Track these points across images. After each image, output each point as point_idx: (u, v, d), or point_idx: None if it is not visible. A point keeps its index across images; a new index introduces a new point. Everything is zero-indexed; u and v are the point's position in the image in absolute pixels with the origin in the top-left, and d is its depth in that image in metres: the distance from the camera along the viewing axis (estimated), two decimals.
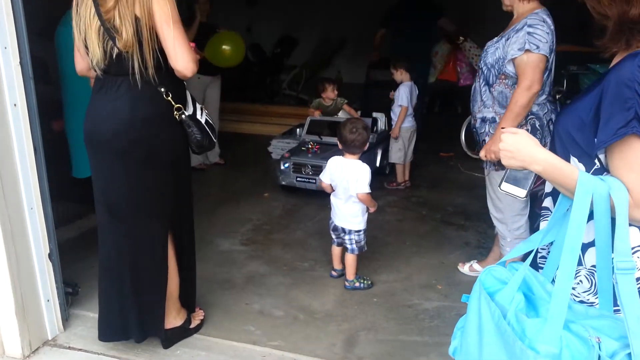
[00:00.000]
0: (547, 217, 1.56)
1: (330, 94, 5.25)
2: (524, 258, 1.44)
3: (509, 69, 2.70)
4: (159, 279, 2.52)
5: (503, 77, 2.74)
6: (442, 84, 6.89)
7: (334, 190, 3.23)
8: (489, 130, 2.84)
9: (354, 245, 3.24)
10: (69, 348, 2.68)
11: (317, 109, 5.30)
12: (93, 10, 2.21)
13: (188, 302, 2.76)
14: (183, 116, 2.38)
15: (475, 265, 3.45)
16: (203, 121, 2.48)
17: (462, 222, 4.28)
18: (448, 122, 6.50)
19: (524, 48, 2.60)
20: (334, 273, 3.41)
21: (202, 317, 2.84)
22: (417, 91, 5.04)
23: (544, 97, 2.75)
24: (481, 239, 3.97)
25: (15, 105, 2.43)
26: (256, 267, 3.55)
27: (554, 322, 1.26)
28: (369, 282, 3.30)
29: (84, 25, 2.25)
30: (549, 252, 1.50)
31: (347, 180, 3.13)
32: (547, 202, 1.57)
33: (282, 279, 3.39)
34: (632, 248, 1.32)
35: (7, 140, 2.42)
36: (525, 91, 2.61)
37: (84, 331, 2.79)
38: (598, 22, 1.37)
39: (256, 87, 7.94)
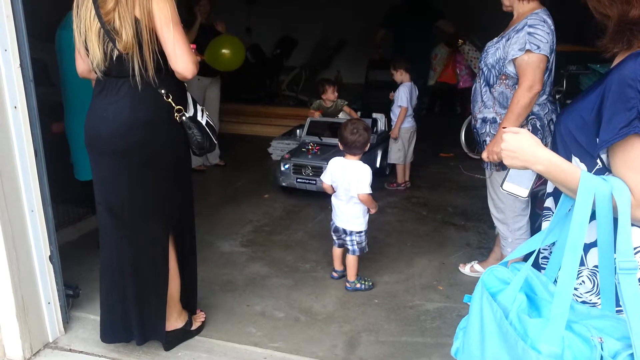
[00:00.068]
0: (549, 217, 1.56)
1: (330, 95, 5.25)
2: (525, 258, 1.44)
3: (510, 69, 2.70)
4: (159, 281, 2.51)
5: (504, 77, 2.74)
6: (442, 85, 6.92)
7: (334, 192, 3.23)
8: (490, 131, 2.84)
9: (355, 247, 3.23)
10: (70, 350, 2.67)
11: (317, 110, 5.30)
12: (93, 12, 2.21)
13: (189, 304, 2.76)
14: (184, 118, 2.38)
15: (476, 266, 3.44)
16: (204, 122, 2.48)
17: (462, 223, 4.28)
18: (448, 122, 6.51)
19: (525, 48, 2.59)
20: (335, 274, 3.41)
21: (203, 319, 2.84)
22: (417, 92, 5.04)
23: (544, 97, 2.75)
24: (482, 240, 3.97)
25: (15, 107, 2.43)
26: (257, 268, 3.55)
27: (556, 322, 1.26)
28: (370, 283, 3.30)
29: (84, 27, 2.25)
30: (551, 252, 1.50)
31: (348, 181, 3.12)
32: (549, 202, 1.57)
33: (283, 281, 3.39)
34: (635, 248, 1.31)
35: (8, 143, 2.42)
36: (526, 91, 2.61)
37: (84, 333, 2.79)
38: (600, 22, 1.37)
39: (256, 88, 7.94)
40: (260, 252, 3.77)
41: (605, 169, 1.36)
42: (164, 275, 2.52)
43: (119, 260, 2.47)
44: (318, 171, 4.55)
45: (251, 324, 2.91)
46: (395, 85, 5.01)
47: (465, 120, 5.26)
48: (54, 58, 3.34)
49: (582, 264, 1.42)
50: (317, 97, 5.49)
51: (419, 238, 4.03)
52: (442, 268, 3.57)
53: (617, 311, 1.36)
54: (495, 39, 2.82)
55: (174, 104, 2.35)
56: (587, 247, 1.40)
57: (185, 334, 2.70)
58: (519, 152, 1.36)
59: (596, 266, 1.39)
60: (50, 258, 2.64)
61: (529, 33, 2.59)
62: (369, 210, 3.23)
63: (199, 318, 2.82)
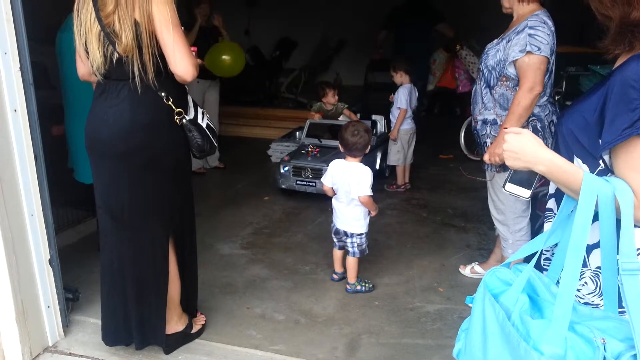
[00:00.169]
0: (551, 218, 1.55)
1: (331, 98, 5.25)
2: (527, 260, 1.44)
3: (510, 71, 2.70)
4: (159, 283, 2.51)
5: (504, 79, 2.74)
6: (441, 90, 6.94)
7: (335, 194, 3.23)
8: (490, 133, 2.84)
9: (356, 249, 3.23)
10: (70, 354, 2.66)
11: (317, 112, 5.30)
12: (93, 14, 2.21)
13: (189, 306, 2.75)
14: (184, 120, 2.38)
15: (477, 267, 3.44)
16: (204, 125, 2.48)
17: (462, 224, 4.28)
18: (447, 124, 6.52)
19: (525, 50, 2.59)
20: (335, 276, 3.40)
21: (203, 322, 2.83)
22: (417, 93, 5.05)
23: (545, 98, 2.75)
24: (482, 241, 3.97)
25: (15, 111, 2.42)
26: (257, 271, 3.54)
27: (559, 323, 1.26)
28: (371, 285, 3.29)
29: (85, 30, 2.25)
30: (553, 253, 1.50)
31: (348, 183, 3.12)
32: (551, 203, 1.57)
33: (283, 283, 3.38)
34: (638, 249, 1.31)
35: (8, 146, 2.41)
36: (527, 93, 2.61)
37: (84, 337, 2.78)
38: (602, 24, 1.37)
39: (255, 91, 7.94)
40: (260, 255, 3.77)
41: (608, 170, 1.36)
42: (164, 277, 2.52)
43: (119, 262, 2.47)
44: (318, 173, 4.55)
45: (251, 327, 2.90)
46: (394, 87, 5.01)
47: (465, 121, 5.28)
48: (55, 61, 3.34)
49: (584, 265, 1.42)
50: (316, 99, 5.49)
51: (419, 240, 4.03)
52: (442, 270, 3.56)
53: (619, 312, 1.36)
54: (496, 41, 2.82)
55: (174, 107, 2.34)
56: (590, 249, 1.40)
57: (185, 337, 2.69)
58: (521, 152, 1.36)
59: (599, 267, 1.39)
60: (50, 261, 2.64)
61: (530, 34, 2.59)
62: (369, 213, 3.22)
63: (199, 321, 2.81)
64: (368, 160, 4.23)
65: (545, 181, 1.48)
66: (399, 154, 4.95)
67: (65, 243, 3.62)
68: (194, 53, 2.42)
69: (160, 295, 2.51)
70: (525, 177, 1.43)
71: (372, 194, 3.12)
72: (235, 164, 5.79)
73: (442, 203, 4.75)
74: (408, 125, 4.94)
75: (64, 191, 3.43)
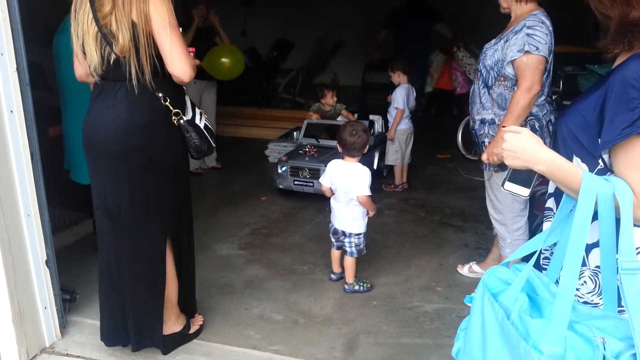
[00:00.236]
0: (550, 217, 1.55)
1: (329, 100, 5.25)
2: (526, 259, 1.44)
3: (509, 70, 2.70)
4: (157, 284, 2.50)
5: (502, 79, 2.74)
6: (439, 91, 6.96)
7: (333, 194, 3.23)
8: (488, 132, 2.84)
9: (354, 249, 3.23)
10: (67, 355, 2.65)
11: (316, 112, 5.30)
12: (91, 15, 2.20)
13: (187, 307, 2.74)
14: (181, 121, 2.37)
15: (475, 267, 3.44)
16: (202, 126, 2.47)
17: (460, 224, 4.28)
18: (445, 124, 6.52)
19: (524, 49, 2.59)
20: (333, 276, 3.40)
21: (201, 323, 2.83)
22: (415, 93, 5.05)
23: (543, 98, 2.75)
24: (480, 240, 3.97)
25: (12, 111, 2.41)
26: (255, 271, 3.53)
27: (558, 322, 1.26)
28: (369, 285, 3.29)
29: (82, 31, 2.24)
30: (552, 253, 1.50)
31: (347, 183, 3.12)
32: (550, 202, 1.57)
33: (281, 283, 3.38)
34: (637, 248, 1.31)
35: (4, 147, 2.40)
36: (525, 92, 2.60)
37: (81, 338, 2.77)
38: (602, 23, 1.37)
39: (252, 91, 7.93)
40: (258, 255, 3.76)
41: (607, 169, 1.36)
42: (161, 278, 2.51)
43: (116, 262, 2.46)
44: (315, 173, 4.55)
45: (249, 327, 2.90)
46: (392, 87, 5.01)
47: (462, 121, 5.28)
48: (52, 62, 3.33)
49: (584, 264, 1.42)
50: (314, 99, 5.50)
51: (417, 239, 4.03)
52: (440, 269, 3.56)
53: (619, 311, 1.36)
54: (494, 41, 2.81)
55: (171, 108, 2.34)
56: (589, 248, 1.40)
57: (183, 338, 2.68)
58: (521, 152, 1.36)
59: (598, 267, 1.39)
60: (47, 262, 2.63)
61: (528, 34, 2.59)
62: (368, 213, 3.22)
63: (197, 321, 2.81)
64: (366, 160, 4.22)
65: (543, 180, 1.48)
66: (397, 153, 4.95)
67: (62, 244, 3.60)
68: (191, 54, 2.42)
69: (157, 295, 2.51)
70: (524, 176, 1.43)
71: (370, 194, 3.12)
72: (233, 165, 5.78)
73: (439, 203, 4.75)
74: (406, 125, 4.94)
75: (60, 192, 3.41)
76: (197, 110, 2.52)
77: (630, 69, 1.28)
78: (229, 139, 6.45)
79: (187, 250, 2.66)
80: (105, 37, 2.20)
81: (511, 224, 2.98)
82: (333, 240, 3.31)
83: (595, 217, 1.31)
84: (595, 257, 1.41)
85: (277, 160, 4.92)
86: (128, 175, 2.35)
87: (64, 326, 2.79)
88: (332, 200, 3.26)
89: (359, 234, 3.22)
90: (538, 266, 1.52)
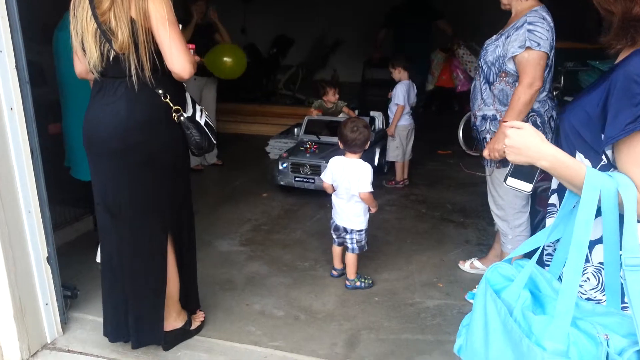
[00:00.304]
0: (554, 214, 1.55)
1: (331, 97, 5.24)
2: (529, 255, 1.43)
3: (510, 66, 2.69)
4: (157, 281, 2.50)
5: (504, 75, 2.73)
6: (440, 89, 6.95)
7: (335, 190, 3.22)
8: (490, 128, 2.83)
9: (355, 245, 3.22)
10: (68, 351, 2.65)
11: (318, 109, 5.29)
12: (90, 12, 2.20)
13: (189, 303, 2.75)
14: (182, 118, 2.37)
15: (476, 263, 3.44)
16: (203, 123, 2.47)
17: (461, 220, 4.28)
18: (445, 120, 6.52)
19: (525, 45, 2.58)
20: (334, 272, 3.40)
21: (202, 319, 2.82)
22: (416, 90, 5.04)
23: (544, 94, 2.74)
24: (481, 236, 3.97)
25: (11, 109, 2.41)
26: (256, 267, 3.53)
27: (562, 319, 1.25)
28: (370, 281, 3.29)
29: (81, 27, 2.24)
30: (555, 249, 1.49)
31: (348, 180, 3.11)
32: (553, 198, 1.56)
33: (283, 279, 3.37)
34: None
35: (4, 144, 2.40)
36: (527, 88, 2.60)
37: (83, 334, 2.77)
38: (605, 19, 1.36)
39: (253, 88, 7.92)
40: (259, 251, 3.76)
41: (610, 165, 1.35)
42: (162, 274, 2.51)
43: (118, 259, 2.46)
44: (316, 170, 4.55)
45: (251, 323, 2.90)
46: (392, 83, 5.00)
47: (463, 117, 5.28)
48: (52, 59, 3.32)
49: (587, 260, 1.41)
50: (314, 96, 5.49)
51: (418, 235, 4.03)
52: (441, 265, 3.56)
53: (622, 308, 1.35)
54: (495, 37, 2.81)
55: (171, 104, 2.33)
56: (592, 244, 1.39)
57: (184, 334, 2.68)
58: (524, 148, 1.35)
59: (601, 263, 1.39)
60: (48, 259, 2.63)
61: (529, 30, 2.58)
62: (369, 209, 3.22)
63: (198, 317, 2.81)
64: (367, 157, 4.22)
65: (545, 176, 1.48)
66: (398, 150, 4.95)
67: (64, 240, 3.61)
68: (191, 50, 2.41)
69: (158, 292, 2.51)
70: (526, 172, 1.42)
71: (372, 190, 3.12)
72: (233, 161, 5.78)
73: (441, 199, 4.74)
74: (406, 121, 4.93)
75: (61, 189, 3.41)
76: (198, 107, 2.51)
77: (633, 64, 1.28)
78: (229, 135, 6.45)
79: (188, 247, 2.66)
80: (105, 33, 2.20)
81: (513, 220, 2.98)
82: (334, 236, 3.31)
83: (598, 213, 1.30)
84: (598, 253, 1.40)
85: (278, 157, 4.92)
86: (128, 172, 2.35)
87: (65, 322, 2.79)
88: (333, 197, 3.25)
89: (361, 231, 3.22)
90: (540, 262, 1.51)
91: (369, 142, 3.22)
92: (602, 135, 1.33)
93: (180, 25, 2.31)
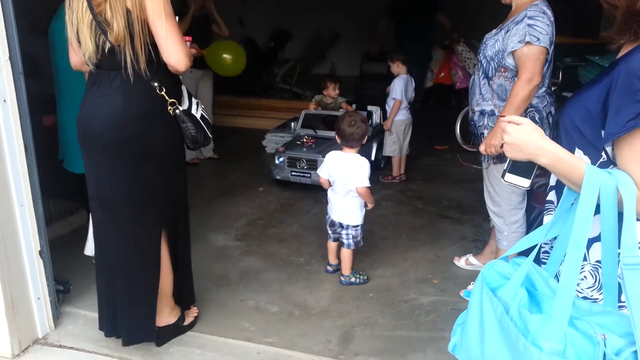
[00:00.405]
0: (551, 211, 1.53)
1: (331, 92, 5.20)
2: (526, 253, 1.41)
3: (509, 61, 2.66)
4: (150, 276, 2.47)
5: (503, 69, 2.70)
6: (439, 86, 6.94)
7: (331, 186, 3.20)
8: (488, 123, 2.81)
9: (351, 240, 3.21)
10: (60, 346, 2.63)
11: (318, 103, 5.25)
12: (85, 3, 2.17)
13: (184, 298, 2.73)
14: (177, 111, 2.34)
15: (472, 259, 3.43)
16: (198, 116, 2.44)
17: (457, 216, 4.26)
18: (443, 115, 6.49)
19: (525, 40, 2.55)
20: (329, 268, 3.38)
21: (195, 314, 2.81)
22: (414, 84, 5.01)
23: (543, 89, 2.71)
24: (477, 233, 3.95)
25: (4, 101, 2.38)
26: (251, 262, 3.51)
27: (559, 318, 1.23)
28: (365, 277, 3.27)
29: (76, 18, 2.21)
30: (552, 247, 1.47)
31: (346, 174, 3.09)
32: (552, 195, 1.54)
33: (278, 275, 3.36)
34: (639, 243, 1.28)
35: None
36: (525, 84, 2.57)
37: (75, 329, 2.75)
38: (608, 12, 1.33)
39: (250, 81, 7.88)
40: (255, 246, 3.74)
41: (610, 162, 1.33)
42: (156, 270, 2.48)
43: (113, 253, 2.44)
44: (313, 164, 4.52)
45: (245, 319, 2.88)
46: (390, 78, 4.97)
47: (461, 112, 5.25)
48: (46, 51, 3.28)
49: (584, 259, 1.39)
50: (312, 90, 5.46)
51: (414, 231, 4.01)
52: (437, 261, 3.55)
53: (618, 307, 1.34)
54: (494, 31, 2.78)
55: (167, 97, 2.30)
56: (590, 242, 1.37)
57: (177, 330, 2.67)
58: (523, 145, 1.32)
59: (598, 261, 1.37)
60: (40, 253, 2.60)
61: (529, 25, 2.55)
62: (366, 205, 3.20)
63: (192, 313, 2.79)
64: (364, 151, 4.19)
65: (541, 172, 1.45)
66: (395, 144, 4.92)
67: (57, 234, 3.58)
68: (188, 43, 2.38)
69: (152, 288, 2.48)
70: (524, 167, 1.40)
71: (370, 185, 3.10)
72: (230, 155, 5.74)
73: (437, 194, 4.73)
74: (404, 116, 4.91)
75: (55, 182, 3.38)
76: (194, 100, 2.49)
77: (635, 59, 1.25)
78: (226, 129, 6.41)
79: (183, 242, 2.64)
80: (100, 25, 2.17)
81: (509, 217, 2.96)
82: (330, 232, 3.29)
83: (596, 210, 1.28)
84: (596, 251, 1.38)
85: (275, 151, 4.89)
86: (123, 165, 2.32)
87: (57, 317, 2.77)
88: (329, 192, 3.23)
89: (357, 226, 3.20)
90: (537, 260, 1.50)
91: (366, 137, 3.19)
92: (603, 132, 1.31)
93: (177, 17, 2.28)
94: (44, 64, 3.42)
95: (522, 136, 1.33)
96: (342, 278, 3.25)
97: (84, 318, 2.80)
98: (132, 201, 2.37)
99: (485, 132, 2.81)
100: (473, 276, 3.24)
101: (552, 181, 1.54)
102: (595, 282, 1.40)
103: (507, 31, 2.65)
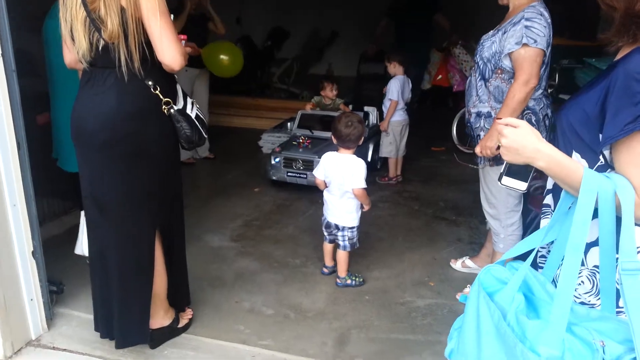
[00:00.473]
0: (548, 214, 1.51)
1: (329, 93, 5.18)
2: (522, 257, 1.40)
3: (506, 63, 2.65)
4: (143, 277, 2.45)
5: (499, 71, 2.69)
6: (436, 88, 6.93)
7: (327, 187, 3.18)
8: (484, 125, 2.79)
9: (346, 242, 3.19)
10: (53, 348, 2.61)
11: (317, 104, 5.23)
12: (79, 1, 2.15)
13: (179, 300, 2.71)
14: (172, 110, 2.32)
15: (468, 262, 3.41)
16: (193, 116, 2.42)
17: (453, 218, 4.25)
18: (440, 116, 6.47)
19: (522, 42, 2.54)
20: (325, 270, 3.36)
21: (190, 316, 2.78)
22: (411, 85, 4.99)
23: (540, 91, 2.70)
24: (473, 235, 3.94)
25: None
26: (246, 263, 3.49)
27: (557, 324, 1.22)
28: (361, 280, 3.26)
29: (70, 16, 2.19)
30: (549, 251, 1.45)
31: (342, 175, 3.07)
32: (548, 199, 1.52)
33: (273, 276, 3.33)
34: (638, 248, 1.27)
35: None
36: (522, 86, 2.56)
37: (68, 330, 2.73)
38: (607, 14, 1.32)
39: (247, 80, 7.85)
40: (250, 247, 3.72)
41: (608, 166, 1.32)
42: (150, 271, 2.46)
43: (107, 253, 2.41)
44: (309, 165, 4.50)
45: (239, 321, 2.86)
46: (387, 78, 4.96)
47: (457, 114, 5.23)
48: (41, 48, 3.26)
49: (581, 263, 1.37)
50: (309, 90, 5.43)
51: (410, 232, 3.99)
52: (433, 263, 3.53)
53: (616, 312, 1.32)
54: (491, 32, 2.76)
55: (161, 96, 2.28)
56: (588, 247, 1.35)
57: (171, 332, 2.64)
58: (521, 148, 1.31)
59: (596, 266, 1.35)
60: (33, 253, 2.58)
61: (526, 27, 2.53)
62: (362, 206, 3.18)
63: (186, 315, 2.77)
64: (360, 152, 4.17)
65: (538, 174, 1.44)
66: (391, 145, 4.91)
67: (51, 234, 3.55)
68: (183, 41, 2.36)
69: (146, 290, 2.46)
70: (521, 170, 1.38)
71: (366, 186, 3.08)
72: (226, 155, 5.72)
73: (434, 195, 4.71)
74: (400, 117, 4.89)
75: (49, 181, 3.36)
76: (189, 100, 2.47)
77: (634, 62, 1.24)
78: (222, 128, 6.39)
79: (178, 243, 2.62)
80: (94, 22, 2.15)
81: (505, 219, 2.95)
82: (326, 233, 3.27)
83: (594, 215, 1.27)
84: (593, 256, 1.36)
85: (271, 151, 4.86)
86: (117, 163, 2.30)
87: (50, 318, 2.74)
88: (325, 193, 3.21)
89: (352, 228, 3.18)
90: (534, 264, 1.48)
91: (362, 138, 3.18)
92: (600, 135, 1.30)
93: (172, 16, 2.26)
94: (39, 62, 3.39)
95: (519, 139, 1.31)
96: (338, 280, 3.24)
97: (78, 319, 2.77)
98: (125, 200, 2.35)
99: (482, 133, 2.80)
100: (469, 279, 3.22)
101: (549, 184, 1.52)
102: (593, 287, 1.39)
103: (504, 32, 2.63)
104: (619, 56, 1.34)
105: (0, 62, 2.34)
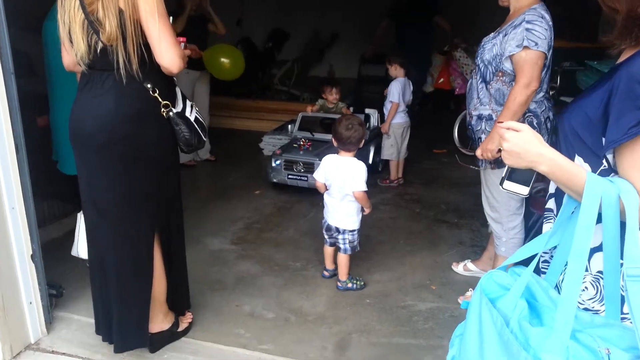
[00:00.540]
0: (551, 219, 1.49)
1: (329, 96, 5.16)
2: (525, 262, 1.38)
3: (507, 66, 2.63)
4: (142, 281, 2.43)
5: (500, 74, 2.67)
6: (438, 91, 6.93)
7: (327, 190, 3.16)
8: (485, 128, 2.77)
9: (347, 245, 3.17)
10: (52, 352, 2.59)
11: (321, 107, 5.21)
12: (77, 2, 2.14)
13: (179, 304, 2.69)
14: (171, 113, 2.31)
15: (469, 265, 3.39)
16: (192, 119, 2.40)
17: (455, 220, 4.23)
18: (441, 118, 6.46)
19: (523, 45, 2.52)
20: (326, 273, 3.34)
21: (190, 320, 2.77)
22: (412, 87, 4.98)
23: (541, 94, 2.68)
24: (475, 238, 3.92)
25: None
26: (247, 267, 3.47)
27: (561, 331, 1.20)
28: (362, 283, 3.24)
29: (69, 18, 2.18)
30: (551, 256, 1.43)
31: (342, 178, 3.05)
32: (551, 203, 1.50)
33: (274, 280, 3.32)
34: None
35: None
36: (523, 89, 2.54)
37: (68, 334, 2.71)
38: (609, 17, 1.30)
39: (247, 82, 7.83)
40: (251, 250, 3.70)
41: (611, 170, 1.30)
42: (149, 274, 2.44)
43: (105, 255, 2.40)
44: (309, 167, 4.49)
45: (240, 325, 2.84)
46: (388, 80, 4.94)
47: (459, 116, 5.21)
48: (40, 50, 3.25)
49: (585, 269, 1.35)
50: (310, 92, 5.41)
51: (412, 235, 3.98)
52: (435, 266, 3.51)
53: (621, 319, 1.30)
54: (492, 35, 2.74)
55: (160, 99, 2.27)
56: (591, 252, 1.33)
57: (171, 336, 2.63)
58: (523, 152, 1.29)
59: (600, 272, 1.33)
60: (32, 257, 2.56)
61: (527, 29, 2.52)
62: (362, 209, 3.16)
63: (186, 319, 2.75)
64: (361, 155, 4.16)
65: (540, 177, 1.42)
66: (393, 148, 4.89)
67: (51, 237, 3.54)
68: (182, 44, 2.34)
69: (145, 293, 2.44)
70: (523, 175, 1.36)
71: (367, 189, 3.06)
72: (227, 157, 5.70)
73: (435, 198, 4.69)
74: (402, 119, 4.88)
75: (49, 183, 3.34)
76: (188, 103, 2.45)
77: (637, 65, 1.22)
78: (223, 130, 6.38)
79: (177, 247, 2.60)
80: (92, 24, 2.13)
81: (507, 222, 2.93)
82: (326, 236, 3.25)
83: (598, 219, 1.25)
84: (597, 262, 1.34)
85: (272, 154, 4.85)
86: (115, 166, 2.28)
87: (50, 322, 2.72)
88: (325, 196, 3.20)
89: (353, 231, 3.16)
90: (537, 270, 1.46)
91: (363, 140, 3.16)
92: (603, 139, 1.28)
93: (171, 18, 2.25)
94: (38, 64, 3.38)
95: (521, 143, 1.29)
96: (339, 283, 3.22)
97: (78, 323, 2.76)
98: (124, 201, 2.33)
99: (483, 136, 2.78)
100: (471, 282, 3.20)
101: (552, 189, 1.51)
102: (597, 293, 1.37)
103: (505, 35, 2.61)
104: (621, 59, 1.32)
105: None
